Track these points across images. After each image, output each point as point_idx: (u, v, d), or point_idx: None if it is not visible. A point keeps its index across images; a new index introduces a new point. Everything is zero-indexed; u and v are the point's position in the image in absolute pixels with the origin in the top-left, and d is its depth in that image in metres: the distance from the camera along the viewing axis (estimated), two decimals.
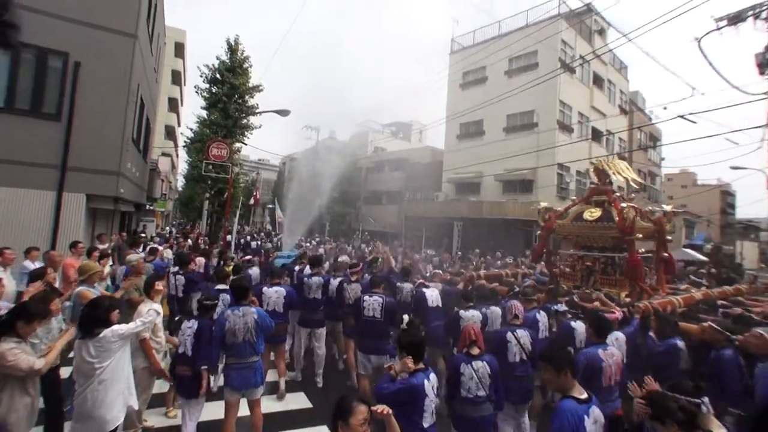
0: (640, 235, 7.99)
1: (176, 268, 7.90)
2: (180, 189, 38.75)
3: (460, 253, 19.96)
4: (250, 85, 19.65)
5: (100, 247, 8.59)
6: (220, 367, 5.04)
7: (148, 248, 9.72)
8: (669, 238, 8.48)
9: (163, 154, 31.16)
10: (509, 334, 4.90)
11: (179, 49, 37.53)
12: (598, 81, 27.23)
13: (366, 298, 6.20)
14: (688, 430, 2.52)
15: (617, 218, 7.90)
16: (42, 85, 9.06)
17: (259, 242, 20.24)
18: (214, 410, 5.14)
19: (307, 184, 20.05)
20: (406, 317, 5.44)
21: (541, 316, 5.90)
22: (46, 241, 8.69)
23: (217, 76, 18.99)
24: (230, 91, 18.80)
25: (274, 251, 12.27)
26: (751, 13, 9.36)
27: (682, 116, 13.73)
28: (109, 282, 7.31)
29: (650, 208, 9.02)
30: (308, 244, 19.48)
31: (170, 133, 38.49)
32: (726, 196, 53.09)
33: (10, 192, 8.67)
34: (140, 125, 13.02)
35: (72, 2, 9.31)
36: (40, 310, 3.67)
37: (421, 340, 3.64)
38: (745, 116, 11.96)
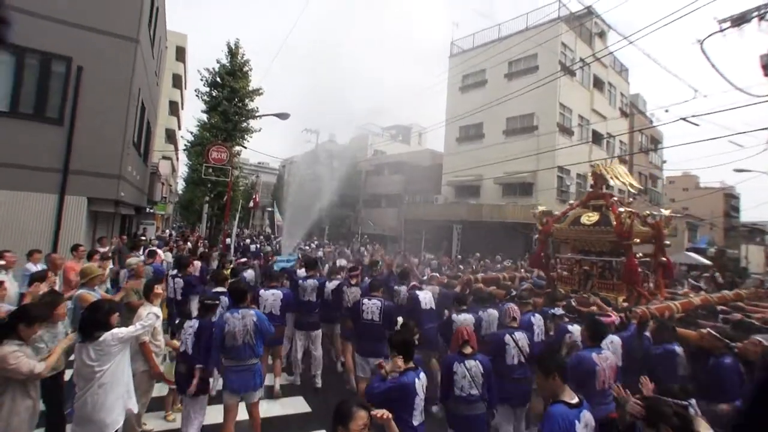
0: (638, 240, 7.97)
1: (175, 271, 7.96)
2: (180, 192, 38.75)
3: (459, 256, 19.95)
4: (250, 88, 19.66)
5: (101, 250, 8.64)
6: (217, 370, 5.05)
7: (147, 251, 9.77)
8: (668, 242, 8.46)
9: (164, 158, 31.26)
10: (507, 337, 4.93)
11: (180, 53, 37.59)
12: (598, 84, 27.21)
13: (365, 301, 6.23)
14: None
15: (615, 222, 7.90)
16: (45, 89, 9.13)
17: (258, 245, 20.26)
18: (213, 414, 5.15)
19: (307, 187, 20.06)
20: (400, 319, 5.47)
21: (536, 319, 5.91)
22: (48, 244, 8.72)
23: (218, 79, 19.01)
24: (230, 95, 18.82)
25: (273, 254, 12.30)
26: (756, 14, 9.34)
27: (684, 119, 13.66)
28: (109, 285, 7.34)
29: (648, 212, 9.01)
30: (307, 248, 19.48)
31: (171, 136, 38.51)
32: (730, 199, 52.69)
33: (12, 195, 8.72)
34: (141, 129, 13.06)
35: (75, 7, 9.37)
36: (41, 312, 3.70)
37: (411, 339, 3.70)
38: (749, 118, 11.95)
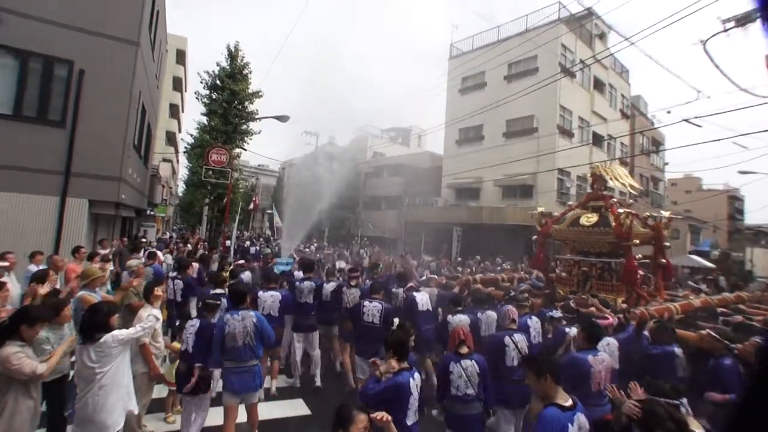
0: (637, 241, 7.96)
1: (174, 273, 8.00)
2: (180, 194, 38.79)
3: (459, 258, 19.94)
4: (250, 91, 19.71)
5: (102, 252, 8.68)
6: (217, 373, 5.07)
7: (147, 253, 9.82)
8: (667, 244, 8.46)
9: (164, 160, 31.33)
10: (507, 339, 4.94)
11: (181, 56, 37.68)
12: (599, 85, 27.12)
13: (366, 303, 6.32)
14: None
15: (614, 224, 7.89)
16: (48, 92, 9.17)
17: (257, 247, 20.27)
18: (212, 416, 5.15)
19: (306, 189, 20.07)
20: (396, 320, 5.50)
21: (533, 322, 5.92)
22: (50, 246, 8.75)
23: (218, 82, 19.06)
24: (230, 97, 18.87)
25: (273, 257, 12.34)
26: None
27: (687, 120, 13.61)
28: (109, 286, 7.38)
29: (647, 213, 8.99)
30: (307, 250, 19.49)
31: (171, 138, 38.58)
32: (734, 201, 52.34)
33: (15, 197, 8.76)
34: (141, 131, 13.09)
35: (77, 11, 9.42)
36: (42, 313, 3.73)
37: (406, 339, 3.73)
38: (754, 119, 11.91)
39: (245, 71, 19.65)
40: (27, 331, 3.50)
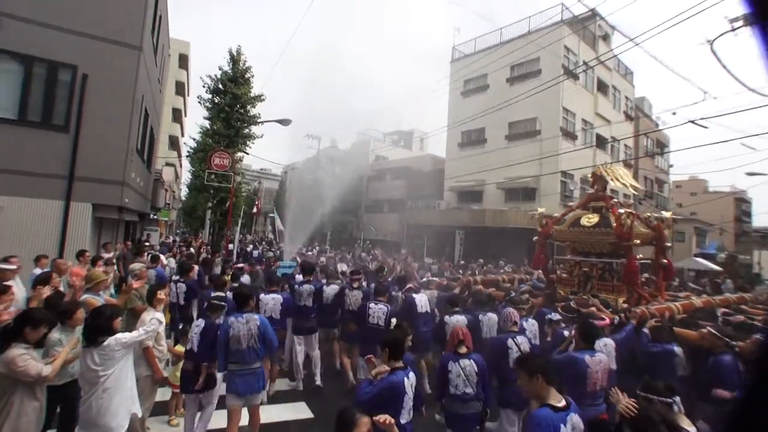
0: (638, 241, 7.96)
1: (177, 277, 8.07)
2: (183, 198, 38.89)
3: (462, 261, 19.88)
4: (252, 94, 19.73)
5: (106, 256, 8.72)
6: (220, 375, 5.10)
7: (150, 256, 9.89)
8: (669, 244, 8.45)
9: (167, 164, 31.41)
10: (510, 341, 4.96)
11: (183, 61, 37.87)
12: (602, 87, 27.06)
13: (371, 305, 6.45)
14: None
15: (615, 224, 7.89)
16: (52, 97, 9.23)
17: (260, 251, 20.30)
18: (215, 419, 5.18)
19: (309, 193, 20.11)
20: (394, 320, 5.56)
21: (529, 324, 5.93)
22: (54, 250, 8.80)
23: (220, 86, 19.08)
24: (232, 101, 18.89)
25: (276, 260, 12.36)
26: None
27: (692, 121, 13.49)
28: (113, 290, 7.41)
29: (648, 214, 8.97)
30: (310, 253, 19.50)
31: (174, 143, 38.73)
32: (741, 204, 51.68)
33: (20, 201, 8.82)
34: (144, 135, 13.15)
35: (80, 16, 9.48)
36: (45, 315, 3.76)
37: (401, 338, 3.77)
38: (762, 120, 11.80)
39: (247, 75, 19.68)
40: (31, 334, 3.53)
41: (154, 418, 5.44)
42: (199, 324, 5.03)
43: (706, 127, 14.03)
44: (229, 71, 19.28)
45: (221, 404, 5.12)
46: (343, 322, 7.46)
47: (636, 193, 10.06)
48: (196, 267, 9.22)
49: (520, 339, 5.02)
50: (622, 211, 7.97)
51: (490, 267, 15.90)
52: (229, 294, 6.65)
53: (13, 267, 5.78)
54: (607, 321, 5.81)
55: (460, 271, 14.46)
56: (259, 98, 19.91)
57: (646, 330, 5.28)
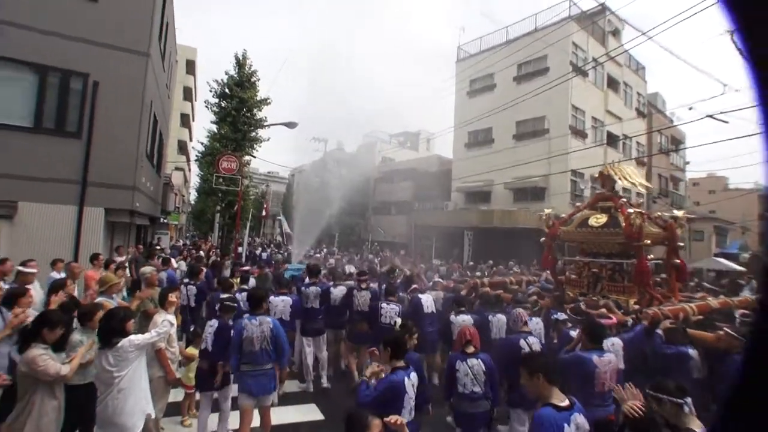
0: (649, 241, 7.87)
1: (187, 279, 8.17)
2: (192, 202, 39.14)
3: (471, 263, 19.79)
4: (258, 98, 19.78)
5: (118, 259, 8.84)
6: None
7: (160, 259, 10.01)
8: (681, 243, 8.32)
9: (176, 169, 31.64)
10: (522, 341, 5.00)
11: (190, 66, 38.12)
12: (613, 84, 26.63)
13: (384, 305, 6.62)
14: None
15: (624, 224, 7.81)
16: (65, 105, 9.37)
17: (268, 253, 20.39)
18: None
19: (316, 195, 20.15)
20: (399, 320, 5.63)
21: (533, 324, 5.95)
22: (69, 253, 8.91)
23: (226, 90, 19.14)
24: (239, 105, 18.94)
25: (284, 263, 12.44)
26: None
27: (711, 116, 13.06)
28: (125, 293, 7.52)
29: (658, 213, 8.87)
30: (319, 255, 19.56)
31: (182, 147, 39.00)
32: (766, 201, 49.86)
33: (37, 207, 8.96)
34: (154, 140, 13.27)
35: (90, 25, 9.61)
36: (61, 317, 3.85)
37: (403, 338, 3.82)
38: None
39: (253, 79, 19.75)
40: (48, 335, 3.61)
41: (167, 419, 5.50)
42: (212, 324, 5.17)
43: (726, 122, 13.47)
44: (236, 75, 19.34)
45: (233, 406, 5.21)
46: (351, 322, 7.51)
47: (645, 192, 9.90)
48: (205, 269, 9.32)
49: (531, 339, 5.08)
50: (631, 210, 7.88)
51: (500, 268, 15.84)
52: (239, 296, 6.77)
53: (34, 270, 5.88)
54: (614, 320, 5.81)
55: (468, 273, 14.43)
56: (265, 101, 19.97)
57: (659, 331, 5.23)
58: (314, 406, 6.61)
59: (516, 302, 6.40)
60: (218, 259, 13.26)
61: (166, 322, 4.39)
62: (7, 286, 5.04)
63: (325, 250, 23.26)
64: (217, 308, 6.03)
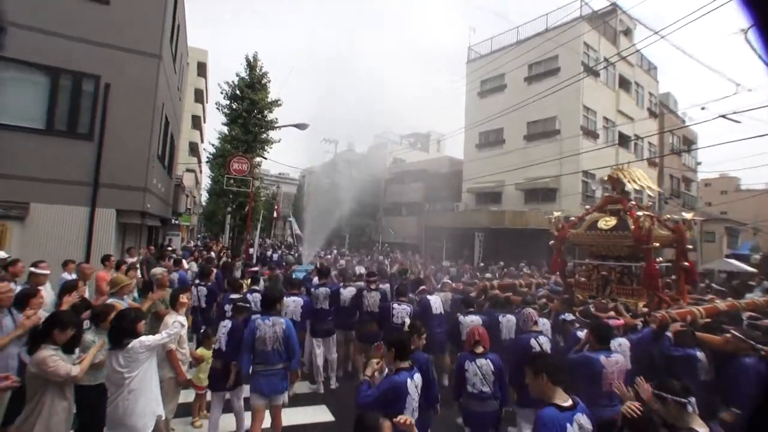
0: (658, 244, 7.85)
1: (197, 280, 8.23)
2: (204, 203, 39.43)
3: (482, 264, 19.73)
4: (269, 99, 19.83)
5: (129, 260, 8.93)
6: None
7: (172, 260, 10.09)
8: (690, 246, 8.31)
9: (188, 170, 31.85)
10: (533, 341, 5.07)
11: (201, 69, 38.37)
12: (624, 84, 26.50)
13: (395, 306, 6.66)
14: None
15: (633, 227, 7.79)
16: (77, 107, 9.44)
17: (279, 254, 20.47)
18: (232, 423, 5.33)
19: (327, 197, 20.19)
20: (408, 320, 5.67)
21: (541, 324, 5.88)
22: (81, 254, 8.99)
23: (237, 92, 19.23)
24: (250, 107, 19.01)
25: (293, 264, 12.50)
26: None
27: (724, 116, 13.01)
28: (136, 294, 7.59)
29: (667, 216, 8.81)
30: (329, 257, 19.60)
31: (194, 149, 39.27)
32: None
33: (49, 208, 9.06)
34: (165, 142, 13.35)
35: (102, 27, 9.68)
36: (72, 318, 3.88)
37: (407, 339, 3.83)
38: None
39: (264, 80, 19.80)
40: (59, 336, 3.64)
41: (177, 420, 5.54)
42: (225, 325, 5.26)
43: (738, 122, 13.45)
44: (246, 77, 19.42)
45: (231, 408, 5.32)
46: (360, 323, 7.53)
47: (652, 195, 9.86)
48: (215, 270, 9.38)
49: (542, 339, 5.14)
50: (640, 213, 7.86)
51: (511, 270, 15.78)
52: (249, 296, 6.82)
53: (47, 272, 5.94)
54: (622, 321, 5.84)
55: (478, 274, 14.40)
56: (276, 103, 20.01)
57: (669, 334, 5.23)
58: (324, 407, 6.62)
59: (525, 304, 6.38)
60: (229, 260, 13.33)
61: (177, 323, 4.42)
62: (18, 287, 5.09)
63: (335, 251, 23.31)
64: (226, 309, 6.23)
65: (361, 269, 12.66)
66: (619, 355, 4.41)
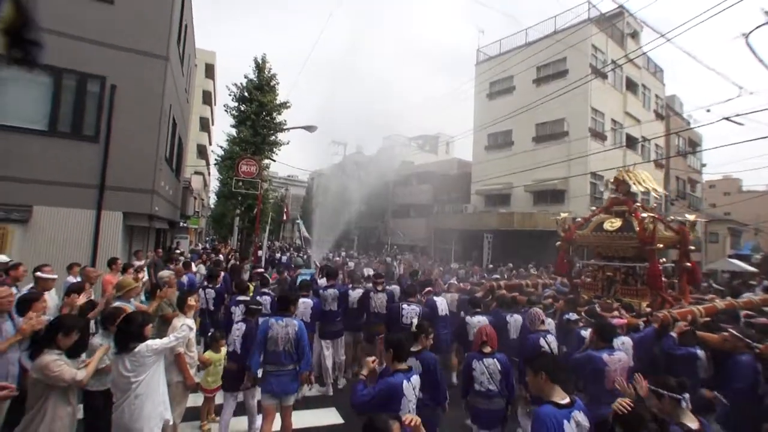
0: (662, 245, 8.01)
1: (205, 283, 8.21)
2: (212, 206, 39.58)
3: (491, 265, 19.65)
4: (278, 102, 19.84)
5: (137, 263, 8.88)
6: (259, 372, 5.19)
7: (181, 263, 10.05)
8: (692, 247, 8.45)
9: (196, 173, 31.98)
10: (542, 340, 5.19)
11: (209, 70, 38.56)
12: (631, 86, 26.61)
13: (404, 306, 6.69)
14: None
15: (638, 228, 7.93)
16: (82, 108, 9.41)
17: (288, 257, 20.44)
18: (239, 424, 5.35)
19: (336, 199, 20.16)
20: (415, 320, 5.70)
21: (547, 323, 5.96)
22: (87, 258, 9.00)
23: (246, 94, 19.25)
24: (258, 109, 19.02)
25: (303, 266, 12.45)
26: None
27: (727, 118, 13.09)
28: (143, 297, 7.53)
29: (671, 217, 8.96)
30: (337, 258, 19.54)
31: (202, 151, 39.43)
32: None
33: (54, 211, 9.04)
34: (173, 144, 13.37)
35: (107, 27, 9.67)
36: (76, 322, 3.82)
37: (405, 340, 3.83)
38: None
39: (272, 83, 19.84)
40: (63, 340, 3.58)
41: (185, 424, 5.48)
42: (240, 327, 5.33)
43: (741, 124, 13.59)
44: (255, 79, 19.45)
45: (242, 410, 5.36)
46: (368, 324, 7.56)
47: (657, 197, 9.95)
48: (223, 273, 9.35)
49: (549, 338, 5.29)
50: (644, 215, 8.00)
51: (520, 271, 15.70)
52: (259, 299, 6.80)
53: (54, 276, 5.86)
54: (624, 320, 5.94)
55: (485, 275, 14.33)
56: (284, 105, 20.01)
57: (673, 334, 5.33)
58: (334, 409, 6.58)
59: (530, 304, 6.47)
60: (237, 263, 13.29)
61: (185, 326, 4.36)
62: (22, 291, 5.03)
63: (343, 253, 23.26)
64: (233, 311, 6.48)
65: (369, 271, 12.60)
66: (622, 353, 4.53)
